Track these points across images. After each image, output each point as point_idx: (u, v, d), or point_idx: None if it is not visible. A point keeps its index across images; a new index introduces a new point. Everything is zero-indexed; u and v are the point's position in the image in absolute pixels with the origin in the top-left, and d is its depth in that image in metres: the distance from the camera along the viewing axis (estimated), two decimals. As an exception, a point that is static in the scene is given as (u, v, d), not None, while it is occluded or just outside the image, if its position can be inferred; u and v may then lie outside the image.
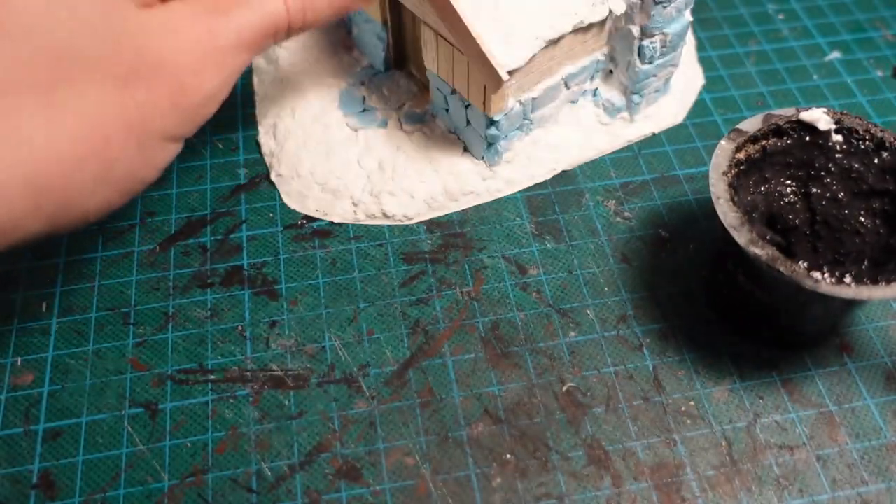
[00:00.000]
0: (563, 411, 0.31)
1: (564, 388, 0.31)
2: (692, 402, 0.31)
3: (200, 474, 0.29)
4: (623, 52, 0.37)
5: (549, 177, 0.38)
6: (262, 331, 0.33)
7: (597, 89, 0.39)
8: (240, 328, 0.33)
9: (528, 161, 0.38)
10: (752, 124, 0.32)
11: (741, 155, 0.31)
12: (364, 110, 0.39)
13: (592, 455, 0.30)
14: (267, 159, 0.39)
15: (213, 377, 0.32)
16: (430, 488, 0.29)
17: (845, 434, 0.30)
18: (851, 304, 0.31)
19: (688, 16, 0.36)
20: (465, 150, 0.38)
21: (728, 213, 0.29)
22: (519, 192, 0.38)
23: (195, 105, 0.25)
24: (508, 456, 0.30)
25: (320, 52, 0.42)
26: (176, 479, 0.29)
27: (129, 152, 0.24)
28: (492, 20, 0.32)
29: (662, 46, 0.36)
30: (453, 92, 0.35)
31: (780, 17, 0.47)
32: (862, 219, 0.32)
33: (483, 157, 0.37)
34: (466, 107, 0.35)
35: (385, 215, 0.36)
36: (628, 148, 0.40)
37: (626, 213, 0.37)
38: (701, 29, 0.46)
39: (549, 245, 0.36)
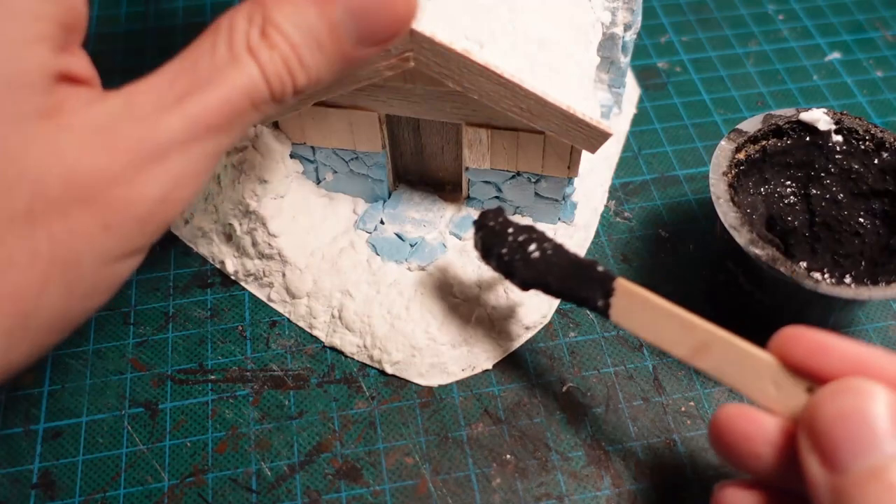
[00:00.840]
0: (563, 411, 0.31)
1: (564, 388, 0.31)
2: (692, 402, 0.31)
3: (200, 474, 0.29)
4: (607, 53, 0.36)
5: (605, 200, 0.37)
6: (262, 331, 0.33)
7: None
8: (240, 328, 0.33)
9: (585, 198, 0.36)
10: (752, 124, 0.32)
11: (741, 155, 0.31)
12: (412, 245, 0.34)
13: (592, 455, 0.30)
14: (355, 351, 0.33)
15: (213, 377, 0.32)
16: (430, 488, 0.29)
17: (845, 434, 0.30)
18: (851, 304, 0.31)
19: None
20: (533, 222, 0.35)
21: (728, 214, 0.29)
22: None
23: (139, 217, 0.20)
24: (508, 456, 0.30)
25: (306, 218, 0.35)
26: (176, 479, 0.29)
27: (52, 298, 0.20)
28: (559, 87, 0.29)
29: (634, 34, 0.36)
30: (515, 176, 0.33)
31: (780, 17, 0.47)
32: (861, 220, 0.32)
33: (560, 219, 0.35)
34: (535, 182, 0.33)
35: (527, 328, 0.33)
36: (628, 148, 0.40)
37: (626, 213, 0.37)
38: (701, 29, 0.46)
39: (549, 245, 0.36)
